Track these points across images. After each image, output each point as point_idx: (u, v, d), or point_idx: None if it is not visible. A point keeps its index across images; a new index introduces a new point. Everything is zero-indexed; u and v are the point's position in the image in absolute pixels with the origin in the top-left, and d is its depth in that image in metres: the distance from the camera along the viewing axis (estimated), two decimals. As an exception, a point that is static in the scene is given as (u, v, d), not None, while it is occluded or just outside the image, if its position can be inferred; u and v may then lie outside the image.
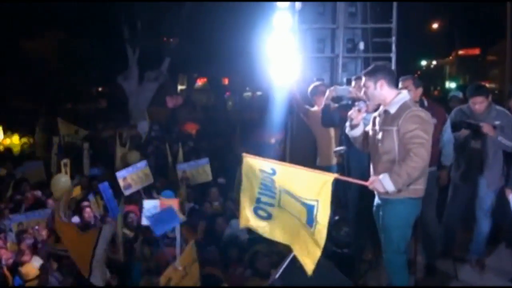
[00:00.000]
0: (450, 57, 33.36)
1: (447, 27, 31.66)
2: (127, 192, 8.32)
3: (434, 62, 36.14)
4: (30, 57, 23.20)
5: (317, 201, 3.71)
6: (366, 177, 4.41)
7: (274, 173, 3.99)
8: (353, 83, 6.12)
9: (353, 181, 4.42)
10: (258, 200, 4.15)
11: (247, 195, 4.22)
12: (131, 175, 8.52)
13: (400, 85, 5.50)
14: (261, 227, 4.18)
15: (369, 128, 4.55)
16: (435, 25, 32.83)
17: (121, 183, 8.32)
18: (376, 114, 4.50)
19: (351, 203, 5.98)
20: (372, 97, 4.38)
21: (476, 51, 30.97)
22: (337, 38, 7.99)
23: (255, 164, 4.12)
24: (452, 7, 26.95)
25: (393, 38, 7.82)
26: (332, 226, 5.82)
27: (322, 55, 8.35)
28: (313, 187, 3.76)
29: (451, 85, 30.21)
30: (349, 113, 4.54)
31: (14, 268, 6.25)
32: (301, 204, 3.81)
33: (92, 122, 18.03)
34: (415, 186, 4.24)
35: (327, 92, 6.15)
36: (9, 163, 11.62)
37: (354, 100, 5.88)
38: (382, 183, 4.08)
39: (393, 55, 7.81)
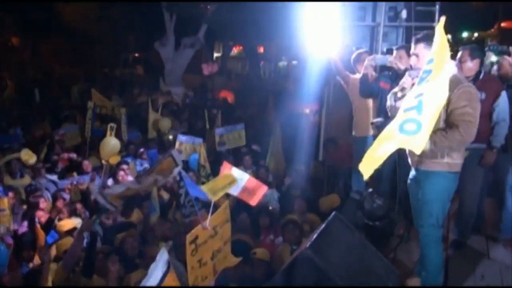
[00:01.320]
0: (492, 30, 32.14)
1: (491, -3, 30.44)
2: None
3: (476, 35, 34.94)
4: (68, 22, 23.45)
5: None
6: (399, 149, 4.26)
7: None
8: (394, 52, 5.91)
9: None
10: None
11: None
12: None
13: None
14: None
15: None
16: (479, -5, 31.61)
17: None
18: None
19: (385, 176, 5.88)
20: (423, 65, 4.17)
21: (520, 24, 29.74)
22: (379, 6, 7.76)
23: None
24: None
25: (437, 7, 7.54)
26: (365, 198, 5.77)
27: (363, 23, 8.14)
28: None
29: (493, 58, 29.21)
30: (401, 81, 4.35)
31: (49, 225, 6.41)
32: None
33: (128, 88, 18.21)
34: (454, 161, 4.18)
35: (366, 61, 5.99)
36: (46, 124, 11.86)
37: (394, 70, 5.74)
38: None
39: (436, 25, 7.52)
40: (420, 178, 4.35)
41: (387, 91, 5.70)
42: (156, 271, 3.45)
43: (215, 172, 8.60)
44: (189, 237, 4.05)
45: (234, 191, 5.14)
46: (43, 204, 6.89)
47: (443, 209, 4.33)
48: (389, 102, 4.50)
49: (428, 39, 4.16)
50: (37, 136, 10.70)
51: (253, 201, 5.25)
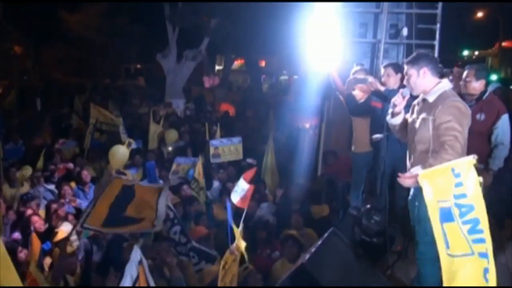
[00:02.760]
0: (493, 49, 32.28)
1: (492, 17, 30.65)
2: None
3: (476, 53, 35.07)
4: (71, 31, 23.58)
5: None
6: (397, 166, 4.29)
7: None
8: (382, 70, 6.00)
9: None
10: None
11: None
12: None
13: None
14: None
15: (408, 116, 4.45)
16: (480, 14, 31.83)
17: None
18: (415, 102, 4.40)
19: (383, 192, 5.89)
20: (414, 85, 4.25)
21: (521, 44, 29.93)
22: (380, 22, 7.82)
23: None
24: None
25: (438, 25, 7.60)
26: (363, 214, 5.77)
27: (364, 40, 8.19)
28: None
29: (492, 77, 29.34)
30: (393, 99, 4.42)
31: (48, 233, 6.40)
32: None
33: (129, 99, 18.28)
34: None
35: (348, 79, 6.12)
36: (46, 133, 11.90)
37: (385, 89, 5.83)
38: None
39: (436, 43, 7.61)
40: (417, 196, 4.36)
41: (379, 110, 5.79)
42: (131, 271, 3.47)
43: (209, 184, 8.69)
44: (222, 262, 4.31)
45: (234, 199, 5.47)
46: (36, 212, 6.88)
47: None
48: (387, 119, 4.58)
49: (413, 59, 4.25)
50: (37, 145, 10.74)
51: (244, 204, 5.51)
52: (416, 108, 4.33)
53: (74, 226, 5.58)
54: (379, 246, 5.60)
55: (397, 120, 4.46)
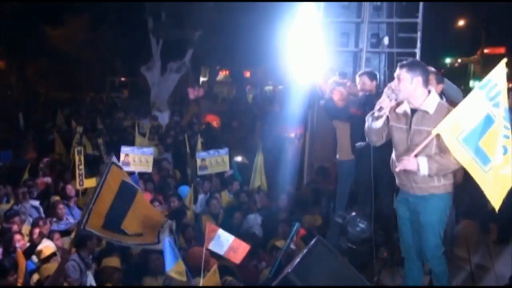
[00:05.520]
0: (475, 56, 32.71)
1: (473, 24, 31.13)
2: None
3: (459, 60, 35.49)
4: (55, 45, 23.48)
5: None
6: (380, 173, 4.28)
7: None
8: (357, 78, 6.07)
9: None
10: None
11: None
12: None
13: None
14: None
15: (395, 124, 4.41)
16: (461, 23, 32.30)
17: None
18: (398, 110, 4.36)
19: (368, 200, 5.91)
20: (404, 90, 4.22)
21: (502, 50, 30.30)
22: (362, 32, 7.91)
23: None
24: (478, 4, 26.50)
25: (419, 34, 7.70)
26: (348, 222, 5.78)
27: (345, 49, 8.27)
28: None
29: (475, 84, 29.69)
30: (379, 101, 4.36)
31: (31, 250, 6.31)
32: None
33: (113, 112, 18.21)
34: (449, 181, 4.32)
35: (328, 83, 6.17)
36: (32, 152, 11.76)
37: (363, 95, 5.89)
38: (418, 163, 4.13)
39: (418, 51, 7.70)
40: (417, 203, 4.40)
41: (358, 117, 5.83)
42: None
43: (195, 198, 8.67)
44: None
45: (220, 250, 5.33)
46: (18, 229, 6.78)
47: (443, 228, 4.45)
48: (367, 124, 4.51)
49: (410, 65, 4.26)
50: (29, 159, 10.62)
51: (238, 260, 5.41)
52: (413, 119, 4.28)
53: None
54: (365, 253, 5.62)
55: (379, 124, 4.40)
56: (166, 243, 5.07)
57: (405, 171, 4.30)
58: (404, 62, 4.34)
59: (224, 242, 5.32)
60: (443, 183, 4.28)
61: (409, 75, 4.20)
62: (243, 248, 5.42)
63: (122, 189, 5.06)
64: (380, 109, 4.29)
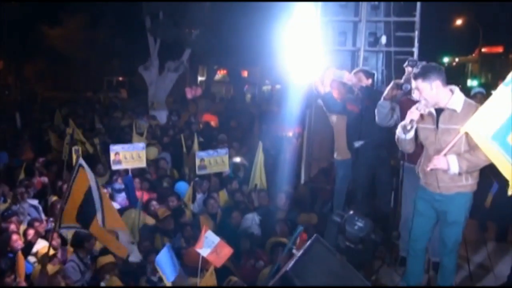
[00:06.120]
0: (473, 55, 32.77)
1: (471, 23, 31.17)
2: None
3: (457, 59, 35.55)
4: (52, 45, 23.45)
5: None
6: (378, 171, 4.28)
7: None
8: (353, 75, 6.12)
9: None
10: None
11: None
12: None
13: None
14: None
15: (421, 125, 4.42)
16: (459, 22, 32.36)
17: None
18: (423, 111, 4.32)
19: (365, 198, 5.92)
20: (430, 98, 4.27)
21: (500, 49, 30.37)
22: (359, 31, 7.91)
23: None
24: (476, 4, 26.53)
25: (416, 33, 7.71)
26: (346, 220, 5.77)
27: (343, 48, 8.27)
28: None
29: (473, 83, 29.73)
30: (409, 115, 4.33)
31: (28, 249, 6.30)
32: None
33: (111, 112, 18.17)
34: (475, 180, 4.43)
35: (328, 75, 6.19)
36: (28, 148, 11.73)
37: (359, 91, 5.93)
38: (448, 161, 4.19)
39: (415, 50, 7.70)
40: (443, 201, 4.48)
41: (355, 114, 5.88)
42: None
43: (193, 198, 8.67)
44: None
45: (204, 252, 5.29)
46: (15, 229, 6.75)
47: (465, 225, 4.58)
48: (398, 135, 4.53)
49: (424, 73, 4.27)
50: (26, 159, 10.59)
51: (218, 263, 5.35)
52: (440, 118, 4.33)
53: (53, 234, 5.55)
54: (363, 252, 5.61)
55: (410, 135, 4.43)
56: (165, 250, 5.19)
57: (432, 170, 4.34)
58: (415, 71, 4.35)
59: (210, 243, 5.32)
60: (470, 182, 4.39)
61: (427, 83, 4.25)
62: (226, 252, 5.40)
63: (90, 195, 5.05)
64: (411, 121, 4.32)
